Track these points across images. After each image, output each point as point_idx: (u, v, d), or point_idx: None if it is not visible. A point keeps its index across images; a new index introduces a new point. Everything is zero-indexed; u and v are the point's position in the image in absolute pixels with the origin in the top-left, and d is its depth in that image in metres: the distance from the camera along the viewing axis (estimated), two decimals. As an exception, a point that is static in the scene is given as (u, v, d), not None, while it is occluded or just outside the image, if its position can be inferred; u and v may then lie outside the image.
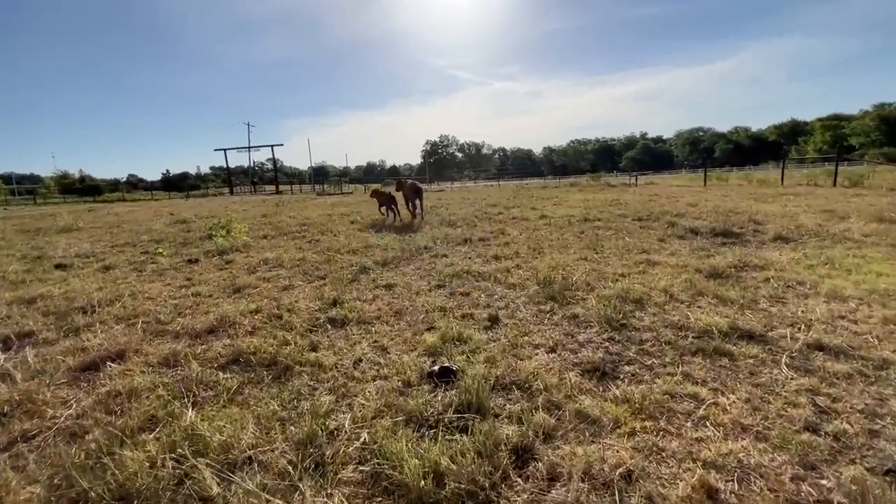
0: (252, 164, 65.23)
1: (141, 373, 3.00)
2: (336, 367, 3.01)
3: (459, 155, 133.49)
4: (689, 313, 3.65)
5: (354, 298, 4.51)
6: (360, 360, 3.10)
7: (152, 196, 54.28)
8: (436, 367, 2.86)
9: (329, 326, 3.77)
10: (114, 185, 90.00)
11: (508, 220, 10.10)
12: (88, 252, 7.88)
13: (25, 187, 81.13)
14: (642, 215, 9.53)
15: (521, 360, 2.99)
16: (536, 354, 3.09)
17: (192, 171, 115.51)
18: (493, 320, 3.77)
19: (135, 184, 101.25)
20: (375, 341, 3.44)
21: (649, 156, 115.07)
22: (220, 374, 2.95)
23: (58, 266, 6.69)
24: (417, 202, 11.45)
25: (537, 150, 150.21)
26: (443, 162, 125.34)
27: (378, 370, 2.95)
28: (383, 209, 11.84)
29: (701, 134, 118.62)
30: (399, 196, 12.11)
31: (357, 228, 9.74)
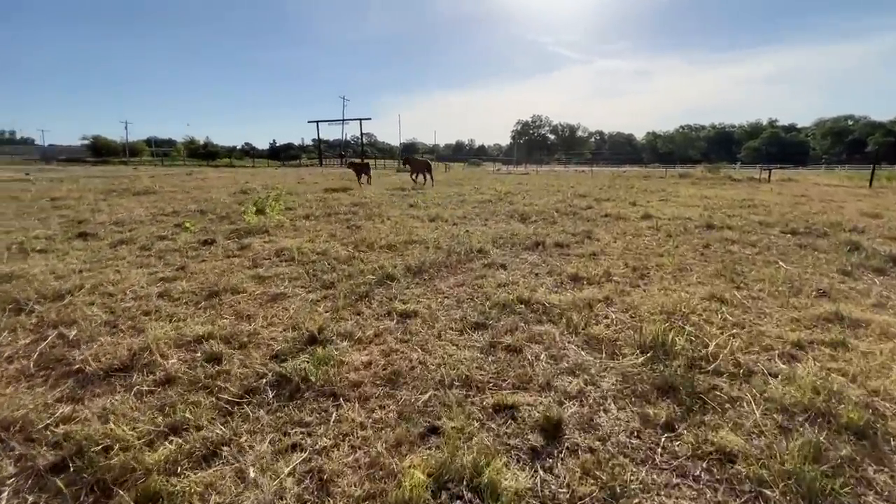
0: (343, 138, 67.45)
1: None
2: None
3: (551, 137, 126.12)
4: None
5: (346, 333, 3.00)
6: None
7: (253, 164, 58.69)
8: None
9: (270, 395, 2.30)
10: (229, 152, 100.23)
11: (599, 219, 7.92)
12: (127, 220, 7.41)
13: (162, 150, 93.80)
14: (796, 227, 6.78)
15: None
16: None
17: (297, 142, 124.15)
18: (551, 431, 2.01)
19: (247, 151, 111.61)
20: (319, 451, 1.89)
21: (778, 146, 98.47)
22: None
23: (80, 234, 6.15)
24: (427, 175, 16.42)
25: (639, 134, 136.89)
26: (533, 143, 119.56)
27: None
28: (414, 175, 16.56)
29: (850, 123, 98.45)
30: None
31: (411, 215, 8.28)
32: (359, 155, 60.42)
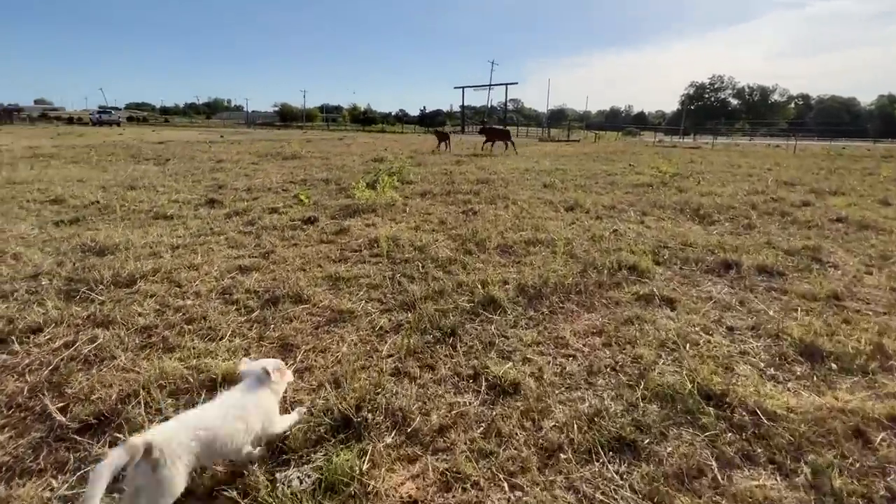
0: (489, 104, 66.11)
1: None
2: None
3: (734, 102, 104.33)
4: None
5: (397, 414, 1.90)
6: None
7: (402, 130, 61.78)
8: None
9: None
10: (384, 118, 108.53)
11: (828, 226, 5.31)
12: (259, 187, 7.54)
13: (331, 116, 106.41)
14: None
15: None
16: None
17: (445, 109, 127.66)
18: None
19: (399, 118, 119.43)
20: None
21: None
22: None
23: (209, 201, 6.28)
24: (508, 142, 17.26)
25: (865, 98, 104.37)
26: (708, 110, 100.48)
27: None
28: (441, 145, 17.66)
29: None
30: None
31: (545, 199, 6.76)
32: (502, 122, 58.67)
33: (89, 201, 6.13)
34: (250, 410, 1.53)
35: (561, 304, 3.05)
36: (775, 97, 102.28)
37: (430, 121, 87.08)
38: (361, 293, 3.21)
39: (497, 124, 58.91)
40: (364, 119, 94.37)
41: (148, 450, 1.14)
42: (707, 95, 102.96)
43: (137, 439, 1.16)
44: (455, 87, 69.29)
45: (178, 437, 1.28)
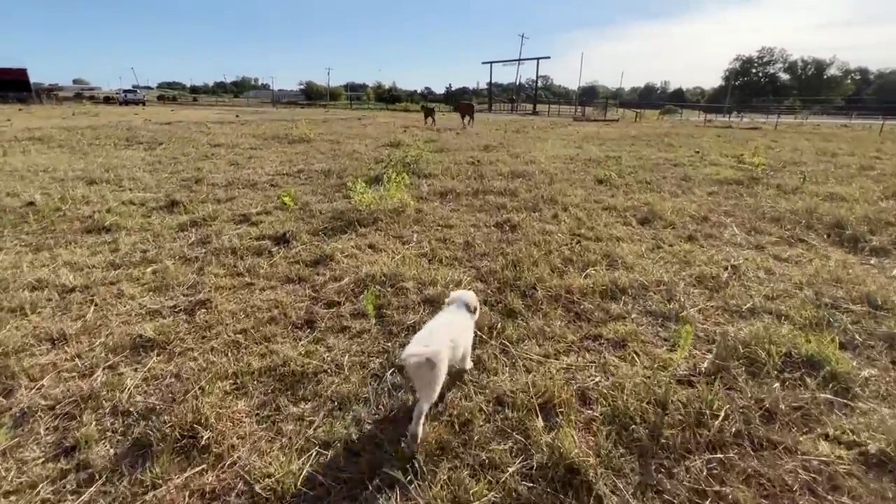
0: (518, 80, 62.69)
1: None
2: None
3: (784, 76, 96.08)
4: None
5: None
6: None
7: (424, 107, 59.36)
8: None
9: None
10: (410, 96, 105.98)
11: None
12: (243, 181, 6.12)
13: (356, 94, 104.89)
14: None
15: None
16: None
17: (471, 87, 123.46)
18: None
19: (424, 95, 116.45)
20: None
21: None
22: None
23: (172, 203, 4.90)
24: (469, 117, 17.95)
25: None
26: (754, 86, 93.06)
27: None
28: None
29: None
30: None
31: (604, 203, 5.08)
32: (532, 99, 55.52)
33: (24, 202, 4.86)
34: (470, 328, 1.99)
35: (713, 473, 1.47)
36: (832, 71, 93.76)
37: (457, 98, 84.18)
38: (318, 421, 1.72)
39: (525, 101, 55.89)
40: (389, 97, 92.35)
41: (429, 359, 1.53)
42: (755, 70, 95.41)
43: (423, 351, 1.55)
44: (483, 63, 65.96)
45: (442, 347, 1.64)
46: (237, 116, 23.32)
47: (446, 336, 1.71)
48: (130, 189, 5.62)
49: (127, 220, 4.28)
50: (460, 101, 23.32)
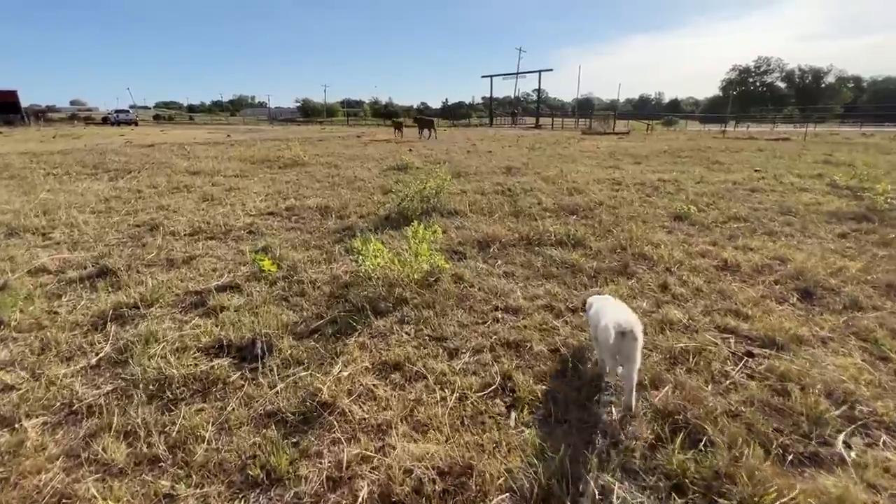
0: (517, 94, 61.91)
1: None
2: None
3: (782, 86, 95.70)
4: None
5: None
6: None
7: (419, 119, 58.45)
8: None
9: None
10: (407, 111, 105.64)
11: None
12: (213, 226, 4.65)
13: (353, 110, 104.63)
14: None
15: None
16: None
17: (467, 101, 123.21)
18: None
19: (421, 111, 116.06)
20: None
21: None
22: None
23: (102, 272, 3.42)
24: (431, 130, 20.68)
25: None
26: (751, 96, 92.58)
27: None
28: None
29: None
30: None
31: (713, 257, 3.63)
32: (531, 112, 54.67)
33: None
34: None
35: None
36: (829, 79, 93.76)
37: (453, 113, 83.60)
38: None
39: (521, 115, 54.96)
40: (385, 113, 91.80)
41: (631, 330, 1.71)
42: (752, 80, 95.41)
43: (627, 326, 1.73)
44: (483, 76, 65.54)
45: (638, 322, 1.80)
46: (228, 136, 21.99)
47: (629, 311, 1.93)
48: (57, 244, 4.15)
49: (18, 309, 2.79)
50: (394, 119, 27.42)
